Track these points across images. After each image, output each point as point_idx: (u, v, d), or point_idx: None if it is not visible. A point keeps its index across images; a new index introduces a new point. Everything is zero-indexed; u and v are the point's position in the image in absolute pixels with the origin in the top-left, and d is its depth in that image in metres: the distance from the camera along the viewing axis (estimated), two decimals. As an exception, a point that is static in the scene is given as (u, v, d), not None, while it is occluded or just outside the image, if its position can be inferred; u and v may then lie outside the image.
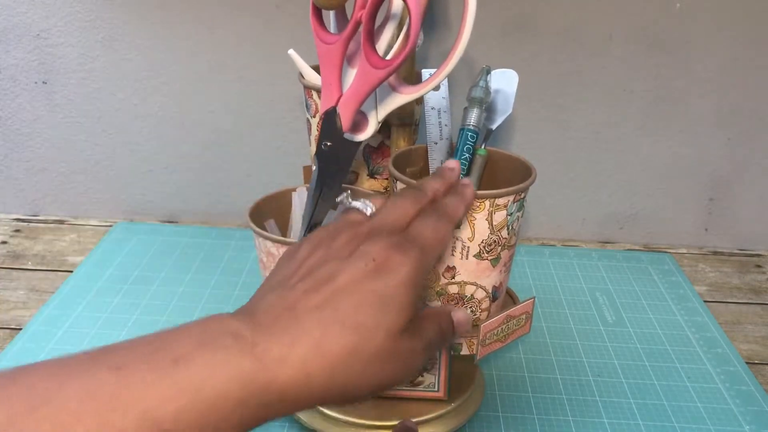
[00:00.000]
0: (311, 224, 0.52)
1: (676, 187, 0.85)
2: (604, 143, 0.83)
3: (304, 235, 0.50)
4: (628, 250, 0.85)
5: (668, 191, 0.85)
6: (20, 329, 0.66)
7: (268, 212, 0.56)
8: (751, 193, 0.85)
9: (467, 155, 0.54)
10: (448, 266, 0.53)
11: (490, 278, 0.53)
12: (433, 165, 0.58)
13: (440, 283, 0.54)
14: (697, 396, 0.60)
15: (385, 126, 0.55)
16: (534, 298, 0.56)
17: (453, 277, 0.53)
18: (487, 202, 0.49)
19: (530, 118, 0.81)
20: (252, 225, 0.51)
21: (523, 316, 0.55)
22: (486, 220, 0.50)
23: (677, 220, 0.86)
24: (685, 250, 0.86)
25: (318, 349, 0.35)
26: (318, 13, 0.49)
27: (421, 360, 0.40)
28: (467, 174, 0.55)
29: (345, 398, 0.37)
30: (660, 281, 0.77)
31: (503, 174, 0.56)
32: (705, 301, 0.75)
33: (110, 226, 0.86)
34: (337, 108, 0.49)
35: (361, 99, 0.48)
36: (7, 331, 0.66)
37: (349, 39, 0.48)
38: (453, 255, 0.52)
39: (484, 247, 0.51)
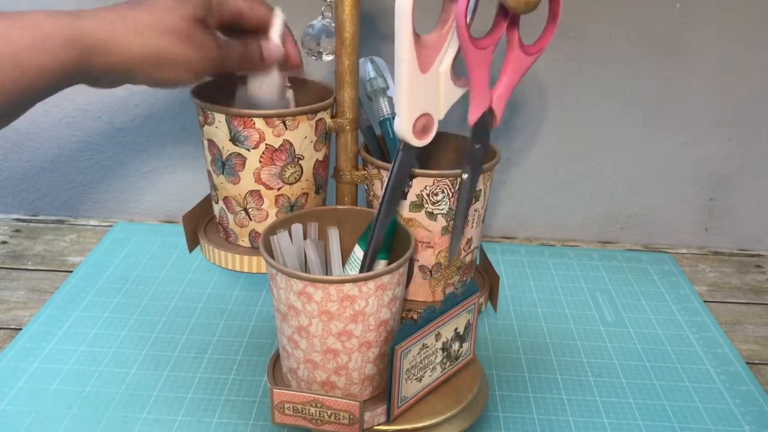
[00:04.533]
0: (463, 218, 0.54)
1: (676, 187, 0.85)
2: (604, 143, 0.83)
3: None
4: (628, 250, 0.85)
5: (668, 191, 0.85)
6: (20, 329, 0.66)
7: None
8: (751, 193, 0.85)
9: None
10: (467, 238, 0.56)
11: (480, 238, 0.63)
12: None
13: (460, 258, 0.60)
14: (697, 396, 0.60)
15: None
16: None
17: (470, 248, 0.59)
18: (488, 174, 0.58)
19: (530, 118, 0.81)
20: (265, 256, 0.49)
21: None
22: (488, 188, 0.60)
23: (677, 220, 0.86)
24: (685, 250, 0.86)
25: (122, 17, 0.49)
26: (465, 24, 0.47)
27: (214, 54, 0.52)
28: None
29: (156, 64, 0.50)
30: (660, 281, 0.77)
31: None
32: (705, 301, 0.75)
33: (110, 226, 0.86)
34: (492, 106, 0.49)
35: (512, 89, 0.49)
36: (7, 331, 0.66)
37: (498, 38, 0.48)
38: (472, 227, 0.59)
39: (485, 211, 0.61)
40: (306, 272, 0.51)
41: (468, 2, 0.44)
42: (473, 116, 0.49)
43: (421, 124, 0.48)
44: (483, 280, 0.69)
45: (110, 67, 0.49)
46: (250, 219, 0.61)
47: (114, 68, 0.49)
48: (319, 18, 0.61)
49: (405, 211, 0.58)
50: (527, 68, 0.49)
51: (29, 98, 0.48)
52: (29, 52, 0.45)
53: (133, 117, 0.83)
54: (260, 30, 0.57)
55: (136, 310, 0.69)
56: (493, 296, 0.68)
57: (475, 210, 0.59)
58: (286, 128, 0.57)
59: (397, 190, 0.51)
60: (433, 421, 0.51)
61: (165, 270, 0.76)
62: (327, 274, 0.55)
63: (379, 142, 0.65)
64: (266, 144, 0.57)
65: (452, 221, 0.58)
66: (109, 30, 0.48)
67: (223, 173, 0.60)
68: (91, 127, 0.84)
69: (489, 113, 0.50)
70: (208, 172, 0.62)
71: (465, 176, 0.53)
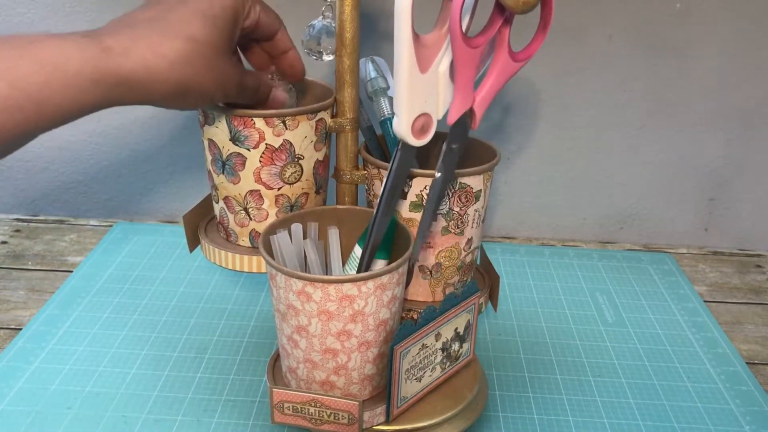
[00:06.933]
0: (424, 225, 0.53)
1: (676, 187, 0.85)
2: (604, 143, 0.83)
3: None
4: (628, 250, 0.85)
5: (668, 191, 0.85)
6: (20, 329, 0.66)
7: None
8: (751, 193, 0.85)
9: None
10: (468, 239, 0.59)
11: (480, 238, 0.63)
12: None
13: (460, 258, 0.60)
14: (697, 396, 0.60)
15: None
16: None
17: (471, 248, 0.60)
18: (488, 173, 0.59)
19: (530, 118, 0.81)
20: (265, 255, 0.49)
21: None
22: (488, 187, 0.60)
23: (677, 220, 0.86)
24: (685, 250, 0.86)
25: (155, 50, 0.44)
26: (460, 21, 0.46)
27: (234, 84, 0.51)
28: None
29: (183, 96, 0.47)
30: (660, 281, 0.77)
31: (470, 154, 0.64)
32: (705, 301, 0.75)
33: (110, 226, 0.86)
34: (473, 108, 0.49)
35: (496, 93, 0.49)
36: (7, 331, 0.66)
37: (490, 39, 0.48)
38: (472, 227, 0.60)
39: (485, 211, 0.62)
40: (306, 272, 0.51)
41: (463, 0, 0.44)
42: (453, 116, 0.49)
43: (420, 124, 0.48)
44: (483, 280, 0.69)
45: (136, 101, 0.46)
46: (251, 219, 0.61)
47: (139, 102, 0.46)
48: (320, 18, 0.61)
49: (405, 211, 0.58)
50: (513, 74, 0.49)
51: (35, 134, 0.42)
52: (50, 92, 0.39)
53: (133, 117, 0.83)
54: (269, 38, 0.57)
55: (136, 310, 0.69)
56: (493, 296, 0.68)
57: (475, 210, 0.59)
58: (286, 128, 0.57)
59: (396, 190, 0.51)
60: (433, 421, 0.51)
61: (165, 270, 0.76)
62: (327, 274, 0.55)
63: (380, 142, 0.65)
64: (266, 144, 0.57)
65: (452, 221, 0.58)
66: (142, 67, 0.43)
67: (223, 173, 0.60)
68: (91, 127, 0.84)
69: (469, 114, 0.50)
70: (209, 172, 0.62)
71: (438, 175, 0.52)
